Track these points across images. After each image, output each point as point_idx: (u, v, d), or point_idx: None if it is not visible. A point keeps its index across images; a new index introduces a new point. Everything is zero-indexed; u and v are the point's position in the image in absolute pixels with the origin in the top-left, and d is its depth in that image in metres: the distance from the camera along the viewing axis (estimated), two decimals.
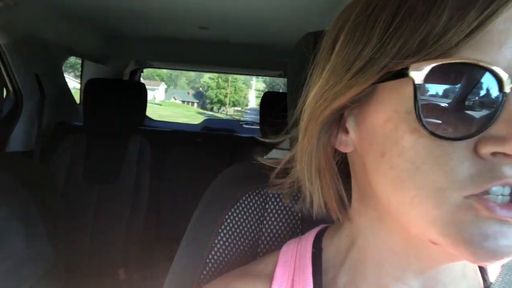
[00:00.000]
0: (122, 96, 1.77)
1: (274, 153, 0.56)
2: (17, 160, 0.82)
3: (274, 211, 0.51)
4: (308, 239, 0.41)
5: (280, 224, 0.51)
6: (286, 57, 0.59)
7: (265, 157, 0.47)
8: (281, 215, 0.51)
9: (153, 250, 1.80)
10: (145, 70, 2.50)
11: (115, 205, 1.66)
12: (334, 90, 0.32)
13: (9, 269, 0.56)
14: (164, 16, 1.58)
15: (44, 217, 0.78)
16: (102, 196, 1.68)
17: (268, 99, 1.77)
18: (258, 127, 2.11)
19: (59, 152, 1.71)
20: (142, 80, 2.67)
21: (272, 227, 0.51)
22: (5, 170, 0.68)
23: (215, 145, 1.97)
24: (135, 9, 1.51)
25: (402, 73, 0.27)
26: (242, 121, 2.83)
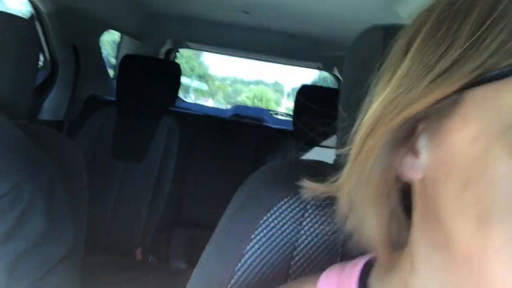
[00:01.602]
0: (156, 74, 1.75)
1: (315, 152, 0.51)
2: (46, 131, 0.79)
3: (313, 221, 0.46)
4: (352, 272, 0.34)
5: (319, 236, 0.45)
6: (338, 50, 0.53)
7: (305, 155, 0.42)
8: (321, 227, 0.46)
9: (172, 233, 1.79)
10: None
11: (139, 184, 1.65)
12: (408, 97, 0.26)
13: (28, 249, 0.54)
14: None
15: (69, 194, 0.76)
16: (127, 173, 1.67)
17: (307, 92, 1.69)
18: (290, 119, 2.05)
19: (88, 125, 1.70)
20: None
21: (309, 239, 0.45)
22: (34, 140, 0.66)
23: (244, 134, 1.93)
24: None
25: (504, 74, 0.21)
26: (272, 111, 2.77)
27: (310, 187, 0.36)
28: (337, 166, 0.33)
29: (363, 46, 0.43)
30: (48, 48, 1.63)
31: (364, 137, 0.29)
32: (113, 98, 1.81)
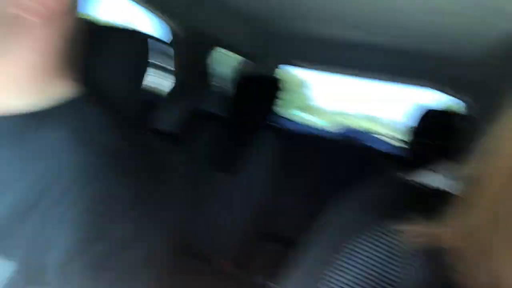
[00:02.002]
0: (260, 90, 1.77)
1: (427, 177, 0.42)
2: (160, 140, 0.83)
3: (409, 257, 0.37)
4: None
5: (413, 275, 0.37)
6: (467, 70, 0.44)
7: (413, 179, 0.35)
8: (416, 263, 0.37)
9: (264, 248, 1.76)
10: None
11: (233, 196, 1.67)
12: None
13: (105, 251, 0.52)
14: (322, 16, 1.50)
15: (162, 199, 0.78)
16: (223, 185, 1.70)
17: (429, 116, 1.53)
18: (397, 143, 1.88)
19: (191, 136, 1.79)
20: None
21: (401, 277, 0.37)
22: (151, 149, 0.67)
23: (345, 154, 1.82)
24: (292, 7, 1.47)
25: None
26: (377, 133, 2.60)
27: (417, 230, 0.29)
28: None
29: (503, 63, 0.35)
30: (174, 67, 1.78)
31: (504, 182, 0.23)
32: (216, 111, 1.88)
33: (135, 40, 0.80)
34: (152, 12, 1.41)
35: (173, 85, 1.87)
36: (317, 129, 2.63)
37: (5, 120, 0.56)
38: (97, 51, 0.74)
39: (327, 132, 2.41)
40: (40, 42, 0.49)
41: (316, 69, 2.33)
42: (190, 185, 1.67)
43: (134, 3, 1.30)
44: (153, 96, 1.86)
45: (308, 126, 2.40)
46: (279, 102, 1.83)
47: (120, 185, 0.54)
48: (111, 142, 0.59)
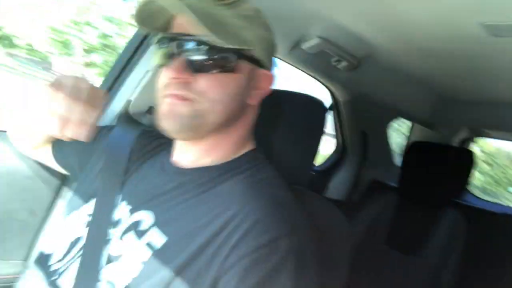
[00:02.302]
0: (446, 163, 1.60)
1: None
2: (315, 196, 0.83)
3: None
4: None
5: None
6: None
7: None
8: None
9: None
10: None
11: (410, 278, 1.47)
12: None
13: None
14: None
15: (326, 260, 0.74)
16: (399, 264, 1.53)
17: None
18: None
19: (367, 208, 1.70)
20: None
21: None
22: (300, 201, 0.68)
23: None
24: (474, 71, 1.33)
25: None
26: None
27: None
28: None
29: None
30: (341, 134, 1.79)
31: None
32: (395, 184, 1.77)
33: (311, 106, 0.84)
34: (315, 77, 1.46)
35: (339, 151, 1.86)
36: None
37: (199, 172, 0.67)
38: (275, 117, 0.80)
39: None
40: (248, 118, 0.70)
41: (509, 138, 1.96)
42: (362, 258, 1.57)
43: (295, 69, 1.38)
44: (327, 165, 1.89)
45: (504, 207, 1.98)
46: (469, 176, 1.60)
47: (283, 239, 0.55)
48: (280, 195, 0.64)
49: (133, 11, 0.61)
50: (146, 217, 0.63)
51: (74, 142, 0.73)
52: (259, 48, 0.65)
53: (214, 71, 0.61)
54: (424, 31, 1.09)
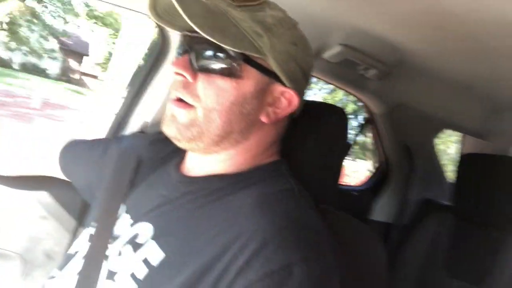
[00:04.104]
0: (505, 176, 1.40)
1: None
2: (346, 218, 0.72)
3: None
4: None
5: None
6: None
7: None
8: None
9: None
10: None
11: None
12: None
13: None
14: None
15: None
16: None
17: None
18: None
19: (420, 231, 1.52)
20: None
21: None
22: (330, 225, 0.59)
23: None
24: None
25: None
26: None
27: None
28: None
29: None
30: (382, 149, 1.65)
31: None
32: (450, 203, 1.58)
33: (333, 115, 0.75)
34: (344, 89, 1.35)
35: (382, 168, 1.70)
36: None
37: (207, 181, 0.61)
38: (296, 127, 0.72)
39: None
40: (265, 133, 0.63)
41: None
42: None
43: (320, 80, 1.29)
44: (370, 183, 1.74)
45: None
46: None
47: (298, 266, 0.47)
48: (297, 211, 0.56)
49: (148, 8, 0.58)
50: (145, 229, 0.59)
51: (84, 157, 0.75)
52: (274, 58, 0.58)
53: (216, 73, 0.56)
54: (470, 28, 0.90)
